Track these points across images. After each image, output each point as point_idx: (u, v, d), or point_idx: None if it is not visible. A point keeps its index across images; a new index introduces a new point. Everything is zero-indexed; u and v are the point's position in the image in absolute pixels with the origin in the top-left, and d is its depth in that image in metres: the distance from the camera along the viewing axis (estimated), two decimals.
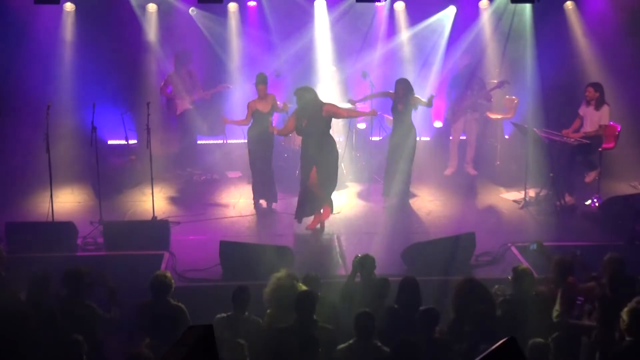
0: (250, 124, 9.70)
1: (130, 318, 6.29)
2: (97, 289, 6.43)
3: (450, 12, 11.98)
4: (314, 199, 9.11)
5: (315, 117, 8.88)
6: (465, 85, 11.09)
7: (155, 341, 5.61)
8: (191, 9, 11.90)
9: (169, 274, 6.43)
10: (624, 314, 5.55)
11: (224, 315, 6.11)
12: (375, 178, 10.82)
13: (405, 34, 12.11)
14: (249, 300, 6.16)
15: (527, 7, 11.56)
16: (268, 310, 6.24)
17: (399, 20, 12.14)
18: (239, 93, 11.74)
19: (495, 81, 11.31)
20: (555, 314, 6.14)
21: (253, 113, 9.59)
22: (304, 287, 6.22)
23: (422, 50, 12.19)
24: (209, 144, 12.21)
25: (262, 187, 9.83)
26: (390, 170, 9.93)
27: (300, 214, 9.20)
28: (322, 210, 9.21)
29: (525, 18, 11.72)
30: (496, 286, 6.55)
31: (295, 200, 9.34)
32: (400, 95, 9.72)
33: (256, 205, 9.93)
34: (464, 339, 5.74)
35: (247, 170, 10.35)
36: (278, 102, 9.80)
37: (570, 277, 6.48)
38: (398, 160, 9.79)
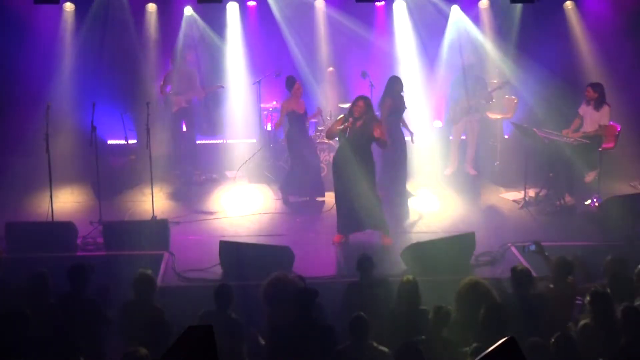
0: None
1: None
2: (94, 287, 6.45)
3: (451, 11, 11.96)
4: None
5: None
6: (467, 86, 11.07)
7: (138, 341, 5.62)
8: (187, 8, 11.87)
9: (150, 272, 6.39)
10: (620, 314, 5.56)
11: (204, 311, 6.09)
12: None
13: (405, 34, 12.09)
14: (231, 299, 6.12)
15: (518, 6, 11.59)
16: (267, 311, 6.25)
17: (399, 20, 12.12)
18: (239, 93, 11.75)
19: (496, 81, 11.30)
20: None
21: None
22: (302, 286, 6.23)
23: (422, 50, 12.17)
24: (208, 143, 12.19)
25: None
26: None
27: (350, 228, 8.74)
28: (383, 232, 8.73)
29: (516, 16, 11.75)
30: None
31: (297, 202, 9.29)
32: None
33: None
34: (465, 339, 5.73)
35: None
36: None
37: (569, 277, 6.48)
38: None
